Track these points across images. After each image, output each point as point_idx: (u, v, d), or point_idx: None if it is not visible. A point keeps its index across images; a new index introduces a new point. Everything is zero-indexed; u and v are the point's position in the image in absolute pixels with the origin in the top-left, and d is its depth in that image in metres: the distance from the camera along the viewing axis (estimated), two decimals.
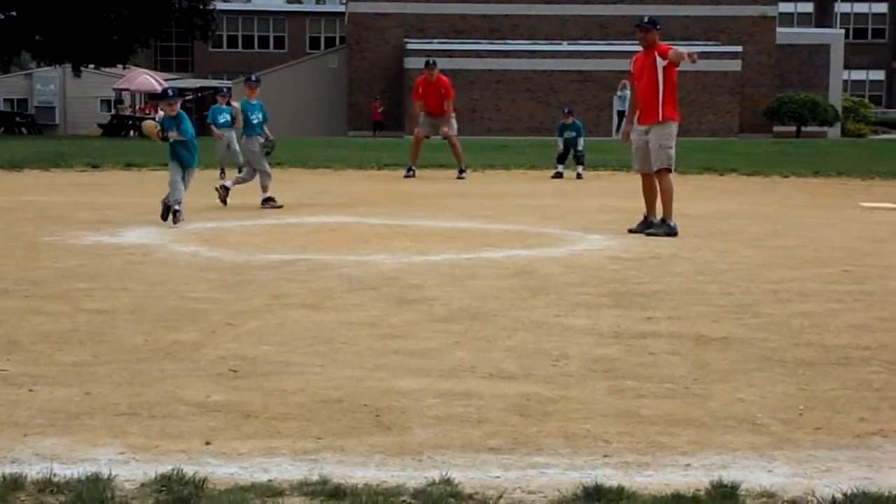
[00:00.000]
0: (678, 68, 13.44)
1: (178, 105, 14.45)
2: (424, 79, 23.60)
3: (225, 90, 27.05)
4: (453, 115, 23.52)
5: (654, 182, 13.36)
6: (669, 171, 13.30)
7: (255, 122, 16.32)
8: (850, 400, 5.69)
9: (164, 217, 13.47)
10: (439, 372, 6.16)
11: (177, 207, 13.41)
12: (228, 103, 23.39)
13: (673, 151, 13.28)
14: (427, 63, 24.14)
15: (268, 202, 15.89)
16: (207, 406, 5.44)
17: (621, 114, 43.60)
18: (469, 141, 28.49)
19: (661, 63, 13.21)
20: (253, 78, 17.16)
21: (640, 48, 13.66)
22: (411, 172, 23.09)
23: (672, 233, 12.88)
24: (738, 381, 6.05)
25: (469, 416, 5.31)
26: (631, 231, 13.11)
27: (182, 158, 13.88)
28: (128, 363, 6.29)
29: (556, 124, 25.76)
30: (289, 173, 22.50)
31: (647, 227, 13.18)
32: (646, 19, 13.59)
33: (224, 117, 22.90)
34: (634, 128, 13.55)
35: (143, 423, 5.17)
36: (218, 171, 21.96)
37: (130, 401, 5.51)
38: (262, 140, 16.38)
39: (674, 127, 13.31)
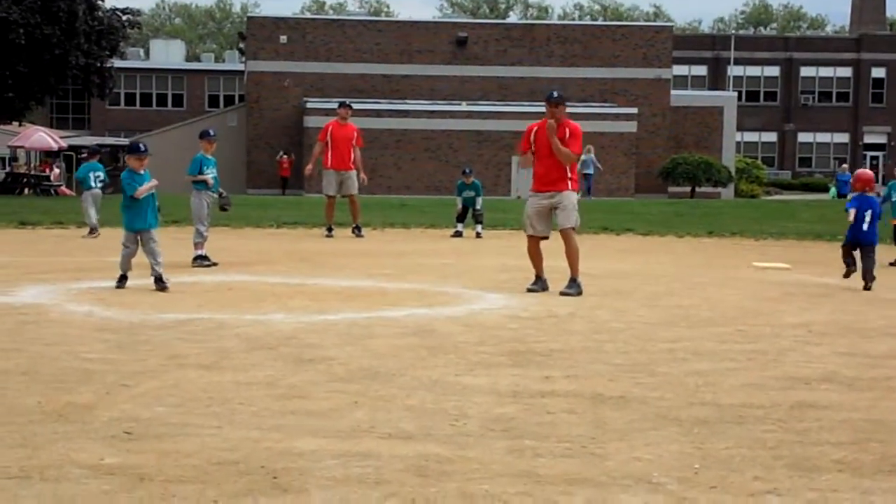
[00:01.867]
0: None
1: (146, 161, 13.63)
2: (336, 122, 22.27)
3: (96, 147, 27.36)
4: (361, 171, 22.32)
5: (540, 245, 13.52)
6: (574, 230, 13.47)
7: (210, 176, 16.20)
8: (745, 458, 5.75)
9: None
10: (337, 432, 6.13)
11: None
12: (100, 160, 23.79)
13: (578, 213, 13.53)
14: (341, 104, 22.89)
15: (199, 260, 15.79)
16: (101, 469, 5.35)
17: (587, 176, 46.16)
18: (369, 199, 28.51)
19: (567, 139, 13.32)
20: (211, 132, 16.83)
21: (530, 115, 13.73)
22: (331, 232, 22.28)
23: (581, 291, 13.02)
24: (635, 439, 6.10)
25: (367, 478, 5.28)
26: (531, 290, 13.21)
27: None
28: (20, 425, 6.17)
29: (455, 183, 25.87)
30: (185, 231, 22.30)
31: (544, 286, 13.29)
32: (555, 94, 13.63)
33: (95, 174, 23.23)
34: (531, 194, 13.63)
35: (35, 486, 5.07)
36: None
37: (22, 464, 5.40)
38: (214, 196, 16.30)
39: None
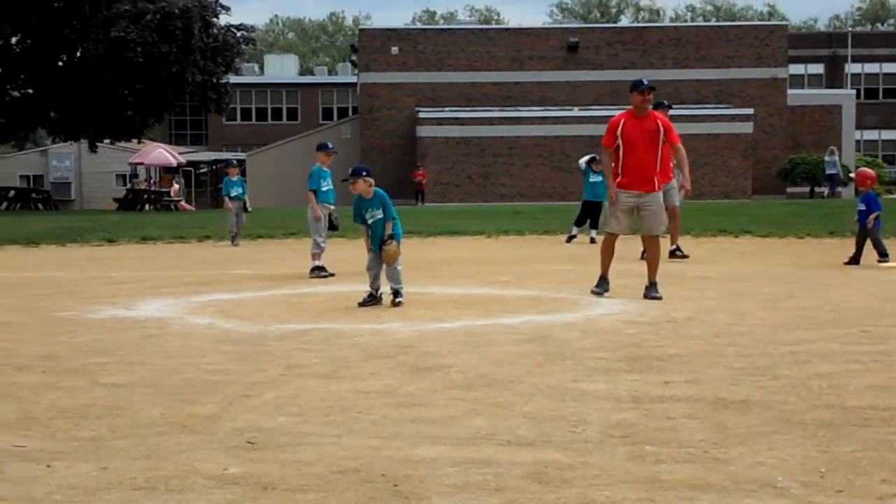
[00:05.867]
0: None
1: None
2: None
3: (235, 162, 27.65)
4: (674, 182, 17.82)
5: (615, 244, 13.49)
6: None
7: (326, 189, 16.46)
8: (872, 461, 5.64)
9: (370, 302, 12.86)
10: (457, 440, 6.13)
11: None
12: (239, 175, 24.17)
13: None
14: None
15: (317, 271, 15.99)
16: (225, 479, 5.41)
17: (831, 176, 47.51)
18: (483, 207, 28.53)
19: (662, 134, 13.18)
20: (329, 145, 17.11)
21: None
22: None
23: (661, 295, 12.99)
24: (758, 444, 6.01)
25: (487, 484, 5.27)
26: (595, 293, 13.18)
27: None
28: (145, 437, 6.27)
29: (567, 189, 25.76)
30: (302, 243, 22.57)
31: (607, 287, 13.31)
32: (646, 82, 13.37)
33: (236, 190, 23.54)
34: (620, 191, 13.30)
35: (161, 497, 5.14)
36: (230, 241, 22.77)
37: (148, 475, 5.49)
38: (331, 208, 16.54)
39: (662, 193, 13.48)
